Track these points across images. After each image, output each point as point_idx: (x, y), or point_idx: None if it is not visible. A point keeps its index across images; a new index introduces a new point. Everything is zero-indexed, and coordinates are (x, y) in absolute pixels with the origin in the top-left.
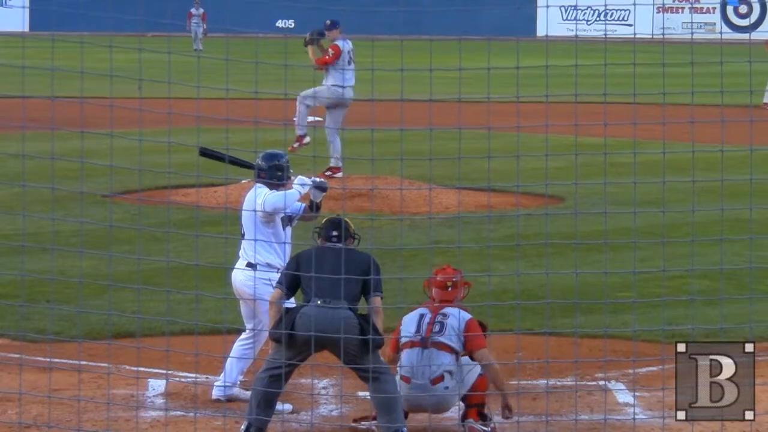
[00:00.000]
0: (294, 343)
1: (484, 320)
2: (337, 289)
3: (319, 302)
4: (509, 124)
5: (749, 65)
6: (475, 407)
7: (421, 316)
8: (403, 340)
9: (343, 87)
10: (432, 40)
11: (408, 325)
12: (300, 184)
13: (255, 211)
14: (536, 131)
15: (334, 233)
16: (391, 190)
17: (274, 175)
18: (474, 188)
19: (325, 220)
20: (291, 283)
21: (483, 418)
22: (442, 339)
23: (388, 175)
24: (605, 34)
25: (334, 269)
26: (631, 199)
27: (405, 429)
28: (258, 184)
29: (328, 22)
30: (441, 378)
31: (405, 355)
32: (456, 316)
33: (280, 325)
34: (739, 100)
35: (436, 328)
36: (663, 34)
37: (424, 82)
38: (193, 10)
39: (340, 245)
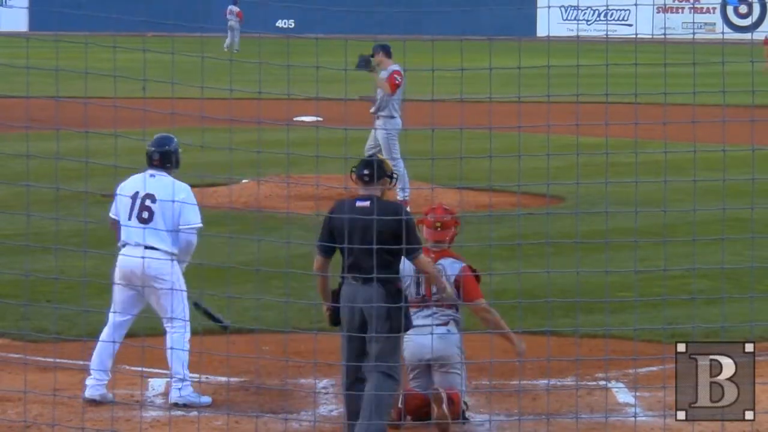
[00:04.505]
0: (344, 325)
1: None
2: (367, 258)
3: (350, 278)
4: (510, 124)
5: (751, 65)
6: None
7: (419, 276)
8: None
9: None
10: (433, 40)
11: (409, 284)
12: None
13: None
14: (537, 131)
15: (366, 172)
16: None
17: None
18: (475, 188)
19: (361, 160)
20: (328, 248)
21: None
22: (441, 296)
23: None
24: (606, 34)
25: (364, 233)
26: (632, 198)
27: None
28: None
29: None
30: (446, 323)
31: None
32: (448, 268)
33: (335, 308)
34: (741, 100)
35: (434, 289)
36: (664, 34)
37: (426, 82)
38: (233, 7)
39: (372, 187)
